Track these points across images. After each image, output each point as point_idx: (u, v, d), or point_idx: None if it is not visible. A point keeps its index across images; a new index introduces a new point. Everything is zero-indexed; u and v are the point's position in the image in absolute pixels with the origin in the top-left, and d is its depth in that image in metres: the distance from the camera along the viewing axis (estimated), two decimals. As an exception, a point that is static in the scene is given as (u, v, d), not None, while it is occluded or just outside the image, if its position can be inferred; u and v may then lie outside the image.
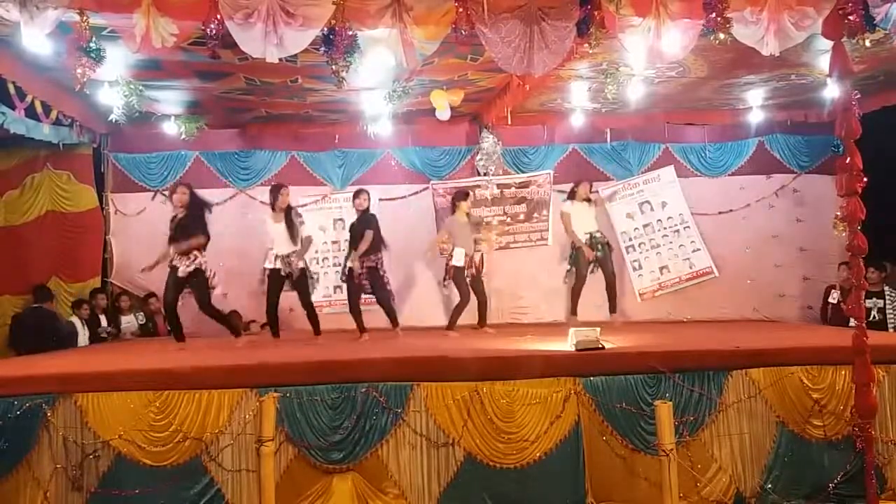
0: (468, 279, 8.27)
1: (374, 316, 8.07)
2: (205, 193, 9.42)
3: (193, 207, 7.09)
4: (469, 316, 8.44)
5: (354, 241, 7.73)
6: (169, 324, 7.28)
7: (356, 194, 7.94)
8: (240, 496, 5.03)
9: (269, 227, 7.43)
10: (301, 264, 7.37)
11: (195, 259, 6.88)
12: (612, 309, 8.76)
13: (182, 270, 6.85)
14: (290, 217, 7.35)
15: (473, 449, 5.17)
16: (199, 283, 6.94)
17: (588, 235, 8.67)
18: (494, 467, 5.16)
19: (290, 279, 7.33)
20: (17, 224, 9.23)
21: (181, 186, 7.24)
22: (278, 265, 7.27)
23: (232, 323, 7.40)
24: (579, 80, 7.97)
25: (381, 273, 7.77)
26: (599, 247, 8.67)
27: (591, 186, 8.92)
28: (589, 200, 8.86)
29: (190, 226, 6.97)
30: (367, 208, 7.89)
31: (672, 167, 9.93)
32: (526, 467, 5.17)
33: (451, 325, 8.23)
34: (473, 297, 8.36)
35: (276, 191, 7.50)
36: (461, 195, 8.58)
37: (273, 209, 7.44)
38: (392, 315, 7.93)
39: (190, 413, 5.05)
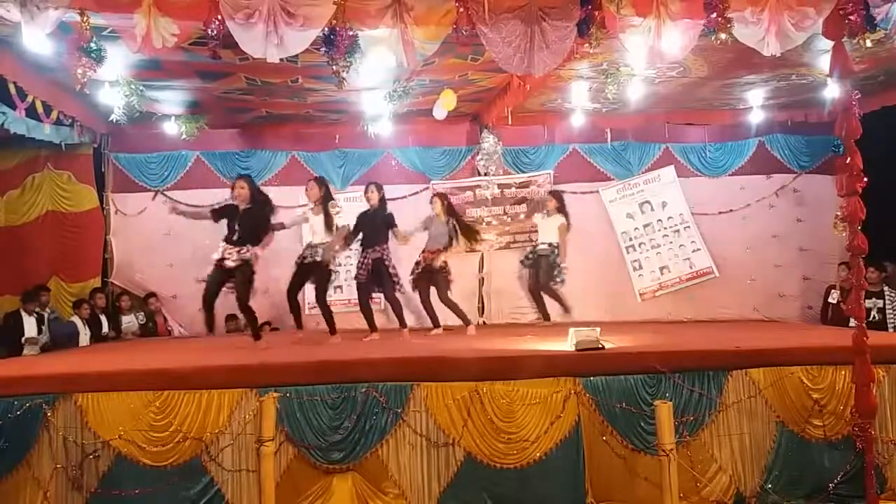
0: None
1: (376, 316, 8.00)
2: (205, 193, 9.56)
3: (256, 199, 6.91)
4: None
5: (368, 236, 7.62)
6: (205, 318, 7.04)
7: (367, 188, 7.81)
8: (240, 496, 5.03)
9: (311, 219, 7.26)
10: (321, 256, 7.15)
11: (246, 252, 6.69)
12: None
13: (231, 262, 6.65)
14: (327, 207, 7.20)
15: (473, 449, 5.17)
16: (244, 276, 6.75)
17: (546, 245, 8.57)
18: (494, 467, 5.17)
19: (309, 268, 7.19)
20: (17, 224, 9.25)
21: (240, 180, 7.03)
22: (306, 253, 7.17)
23: (257, 326, 7.09)
24: (580, 80, 7.97)
25: (387, 264, 7.69)
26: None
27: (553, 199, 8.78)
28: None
29: (258, 217, 6.83)
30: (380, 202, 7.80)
31: (672, 167, 9.94)
32: (526, 467, 5.17)
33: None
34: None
35: (315, 183, 7.37)
36: (434, 196, 8.44)
37: (310, 201, 7.30)
38: (398, 313, 7.78)
39: (190, 413, 5.05)
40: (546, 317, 8.56)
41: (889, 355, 5.58)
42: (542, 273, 8.47)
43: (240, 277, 6.71)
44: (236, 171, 9.73)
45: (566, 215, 8.69)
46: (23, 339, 8.17)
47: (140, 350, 7.42)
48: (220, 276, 6.78)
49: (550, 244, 8.48)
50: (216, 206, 7.15)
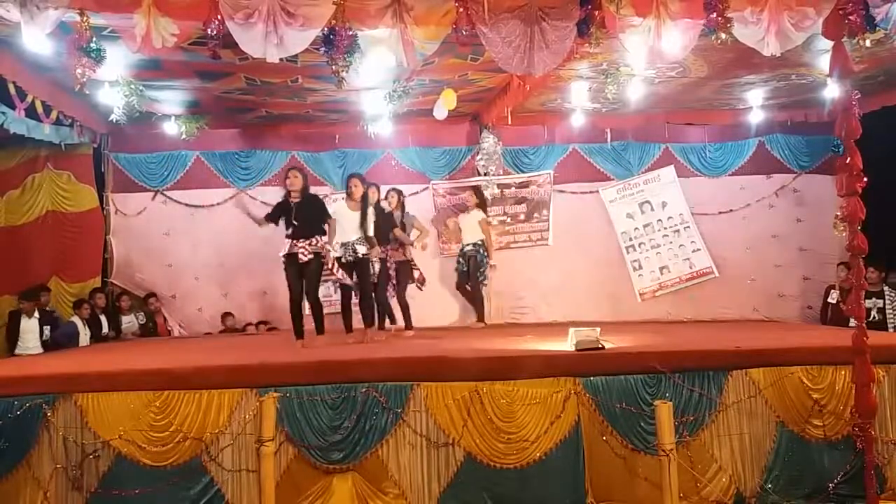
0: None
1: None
2: (205, 193, 9.58)
3: (308, 191, 6.86)
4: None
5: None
6: (293, 317, 6.83)
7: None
8: (240, 496, 5.03)
9: (341, 216, 7.13)
10: (364, 251, 7.09)
11: (316, 244, 6.64)
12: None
13: (304, 255, 6.58)
14: (365, 205, 7.14)
15: (473, 449, 5.16)
16: (316, 268, 6.71)
17: (471, 245, 8.79)
18: (494, 467, 5.16)
19: (353, 266, 7.09)
20: (17, 224, 9.24)
21: (294, 170, 6.94)
22: (340, 252, 7.06)
23: (323, 321, 6.94)
24: (579, 80, 7.97)
25: (388, 266, 7.65)
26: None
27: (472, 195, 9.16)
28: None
29: (313, 207, 6.77)
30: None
31: (672, 167, 9.95)
32: (526, 467, 5.17)
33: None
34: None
35: (359, 181, 7.29)
36: (391, 191, 8.33)
37: (350, 198, 7.20)
38: (370, 314, 7.57)
39: (190, 413, 5.05)
40: (481, 317, 8.72)
41: (889, 355, 5.57)
42: (470, 273, 8.56)
43: (312, 270, 6.69)
44: (236, 171, 9.78)
45: (486, 211, 8.94)
46: (44, 338, 8.32)
47: (140, 350, 7.42)
48: (299, 273, 6.70)
49: (475, 244, 8.58)
50: (267, 212, 6.98)
